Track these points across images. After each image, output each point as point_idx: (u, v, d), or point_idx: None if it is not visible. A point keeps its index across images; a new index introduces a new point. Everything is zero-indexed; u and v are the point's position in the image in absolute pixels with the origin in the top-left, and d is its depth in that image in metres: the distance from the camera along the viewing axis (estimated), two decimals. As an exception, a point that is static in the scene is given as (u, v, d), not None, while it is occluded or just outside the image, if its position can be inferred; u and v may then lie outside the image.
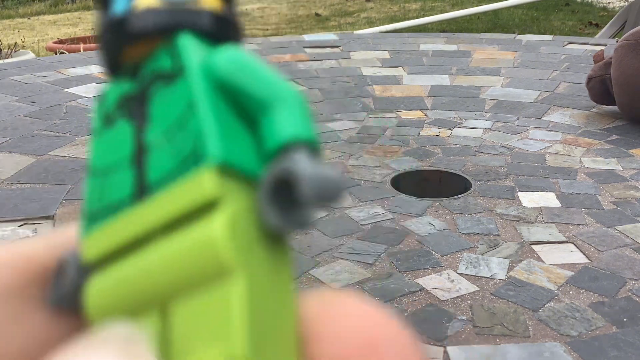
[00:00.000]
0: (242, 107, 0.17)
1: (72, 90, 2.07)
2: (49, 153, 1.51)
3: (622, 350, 0.78)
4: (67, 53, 3.37)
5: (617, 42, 1.92)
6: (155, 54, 0.18)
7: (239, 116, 0.17)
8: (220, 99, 0.17)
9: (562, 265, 0.99)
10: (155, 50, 0.18)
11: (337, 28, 6.02)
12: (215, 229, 0.15)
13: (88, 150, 0.19)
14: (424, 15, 6.08)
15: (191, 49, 0.18)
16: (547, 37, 2.96)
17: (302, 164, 0.15)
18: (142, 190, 0.17)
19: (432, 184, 1.40)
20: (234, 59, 0.18)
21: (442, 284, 0.94)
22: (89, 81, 2.17)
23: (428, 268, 0.98)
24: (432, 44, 2.80)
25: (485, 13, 5.61)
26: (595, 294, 0.91)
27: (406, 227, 1.12)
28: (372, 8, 7.46)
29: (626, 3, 5.16)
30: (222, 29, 0.19)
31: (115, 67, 0.19)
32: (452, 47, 2.72)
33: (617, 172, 1.39)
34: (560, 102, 1.94)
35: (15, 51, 3.79)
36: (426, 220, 1.15)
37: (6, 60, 3.13)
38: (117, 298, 0.17)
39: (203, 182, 0.15)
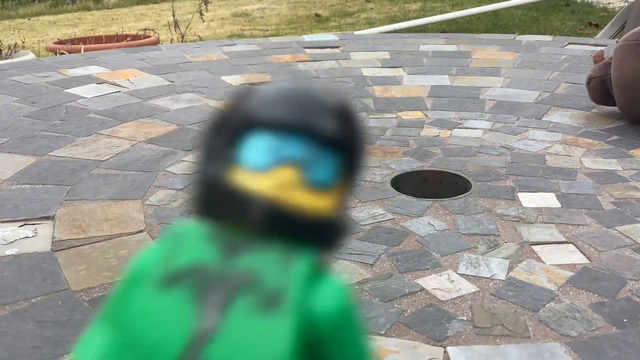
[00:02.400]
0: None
1: (72, 90, 2.07)
2: (49, 153, 1.51)
3: (622, 350, 0.78)
4: (67, 53, 3.37)
5: (617, 42, 1.92)
6: (262, 252, 0.17)
7: None
8: (305, 354, 0.17)
9: (562, 266, 0.99)
10: (262, 239, 0.17)
11: (337, 28, 6.02)
12: None
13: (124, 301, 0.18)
14: (424, 16, 6.08)
15: (303, 279, 0.17)
16: (547, 38, 2.96)
17: None
18: None
19: (432, 184, 1.40)
20: (338, 320, 0.17)
21: (442, 285, 0.94)
22: (89, 82, 2.18)
23: (428, 268, 0.98)
24: (432, 45, 2.80)
25: (485, 13, 5.61)
26: (595, 295, 0.91)
27: (406, 227, 1.12)
28: (372, 8, 7.46)
29: (626, 3, 5.15)
30: (331, 238, 0.18)
31: (206, 216, 0.18)
32: (452, 48, 2.72)
33: (617, 172, 1.39)
34: (560, 102, 1.94)
35: (15, 52, 3.79)
36: (426, 220, 1.15)
37: (6, 61, 3.13)
38: None
39: None
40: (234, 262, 0.17)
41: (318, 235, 0.18)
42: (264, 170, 0.18)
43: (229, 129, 0.19)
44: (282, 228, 0.17)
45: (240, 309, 0.17)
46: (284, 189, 0.17)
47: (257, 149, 0.18)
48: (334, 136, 0.19)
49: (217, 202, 0.18)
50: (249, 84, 2.17)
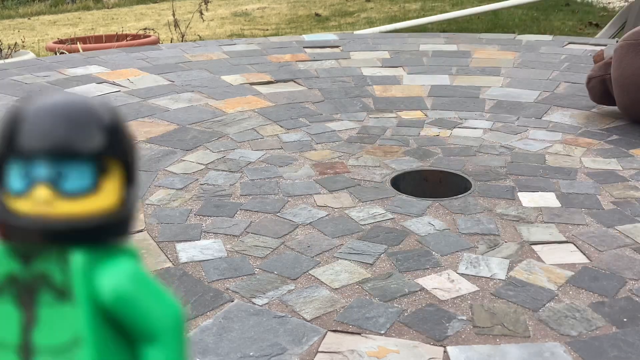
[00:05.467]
0: (125, 329, 0.21)
1: (72, 90, 2.07)
2: (49, 153, 1.51)
3: (622, 350, 0.78)
4: (67, 53, 3.37)
5: (617, 42, 1.92)
6: (45, 255, 0.21)
7: (121, 335, 0.21)
8: (105, 325, 0.21)
9: (562, 265, 0.99)
10: (45, 250, 0.21)
11: (337, 28, 6.02)
12: None
13: None
14: (424, 16, 6.08)
15: (83, 273, 0.21)
16: (547, 37, 2.95)
17: None
18: None
19: (432, 184, 1.40)
20: (120, 293, 0.21)
21: (442, 284, 0.94)
22: (89, 81, 2.18)
23: (428, 268, 0.98)
24: (432, 44, 2.79)
25: (485, 13, 5.61)
26: (595, 294, 0.91)
27: (406, 227, 1.12)
28: (372, 8, 7.46)
29: (626, 3, 5.15)
30: (112, 232, 0.22)
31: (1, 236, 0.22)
32: (452, 47, 2.72)
33: (617, 172, 1.39)
34: (560, 102, 1.94)
35: (15, 51, 3.79)
36: (426, 220, 1.15)
37: (6, 60, 3.13)
38: None
39: None
40: (31, 269, 0.22)
41: (92, 232, 0.21)
42: (23, 194, 0.21)
43: None
44: (56, 236, 0.21)
45: (44, 303, 0.21)
46: (42, 205, 0.21)
47: (14, 175, 0.21)
48: (80, 148, 0.21)
49: (6, 226, 0.22)
50: (249, 83, 2.17)
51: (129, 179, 0.23)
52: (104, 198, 0.21)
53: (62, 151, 0.21)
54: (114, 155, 0.22)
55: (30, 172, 0.21)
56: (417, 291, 0.92)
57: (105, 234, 0.22)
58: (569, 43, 2.79)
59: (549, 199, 1.24)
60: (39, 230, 0.21)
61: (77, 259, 0.21)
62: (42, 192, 0.21)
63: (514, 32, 4.15)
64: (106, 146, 0.21)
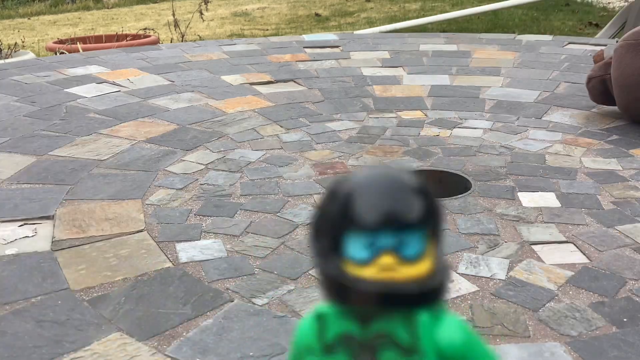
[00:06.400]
0: None
1: (72, 90, 2.07)
2: (49, 153, 1.51)
3: (622, 350, 0.78)
4: (67, 53, 3.37)
5: (617, 42, 1.92)
6: (389, 318, 0.23)
7: None
8: None
9: (562, 265, 0.99)
10: (384, 312, 0.23)
11: (337, 28, 6.01)
12: None
13: None
14: (424, 16, 6.08)
15: (427, 331, 0.23)
16: (547, 37, 2.95)
17: None
18: None
19: (432, 184, 1.40)
20: (458, 345, 0.23)
21: (442, 284, 0.94)
22: (89, 81, 2.17)
23: (428, 268, 0.98)
24: (432, 44, 2.79)
25: (485, 13, 5.61)
26: (595, 294, 0.91)
27: (406, 227, 1.12)
28: (372, 8, 7.46)
29: (626, 3, 5.15)
30: (436, 296, 0.23)
31: (337, 302, 0.24)
32: (452, 47, 2.72)
33: (617, 172, 1.39)
34: (560, 102, 1.94)
35: (15, 51, 3.79)
36: (426, 220, 1.15)
37: (6, 60, 3.13)
38: None
39: None
40: (370, 329, 0.24)
41: (421, 296, 0.23)
42: (367, 262, 0.23)
43: (329, 233, 0.24)
44: (393, 300, 0.23)
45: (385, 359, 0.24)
46: (386, 271, 0.23)
47: (356, 246, 0.23)
48: (417, 218, 0.23)
49: (341, 290, 0.24)
50: (249, 83, 2.17)
51: (438, 243, 0.25)
52: (427, 262, 0.24)
53: (405, 223, 0.23)
54: (434, 223, 0.24)
55: (375, 242, 0.23)
56: (417, 291, 0.92)
57: (434, 295, 0.24)
58: (569, 43, 2.79)
59: (549, 199, 1.24)
60: (384, 293, 0.23)
61: (423, 318, 0.23)
62: (388, 260, 0.23)
63: (514, 32, 4.15)
64: (432, 215, 0.24)
